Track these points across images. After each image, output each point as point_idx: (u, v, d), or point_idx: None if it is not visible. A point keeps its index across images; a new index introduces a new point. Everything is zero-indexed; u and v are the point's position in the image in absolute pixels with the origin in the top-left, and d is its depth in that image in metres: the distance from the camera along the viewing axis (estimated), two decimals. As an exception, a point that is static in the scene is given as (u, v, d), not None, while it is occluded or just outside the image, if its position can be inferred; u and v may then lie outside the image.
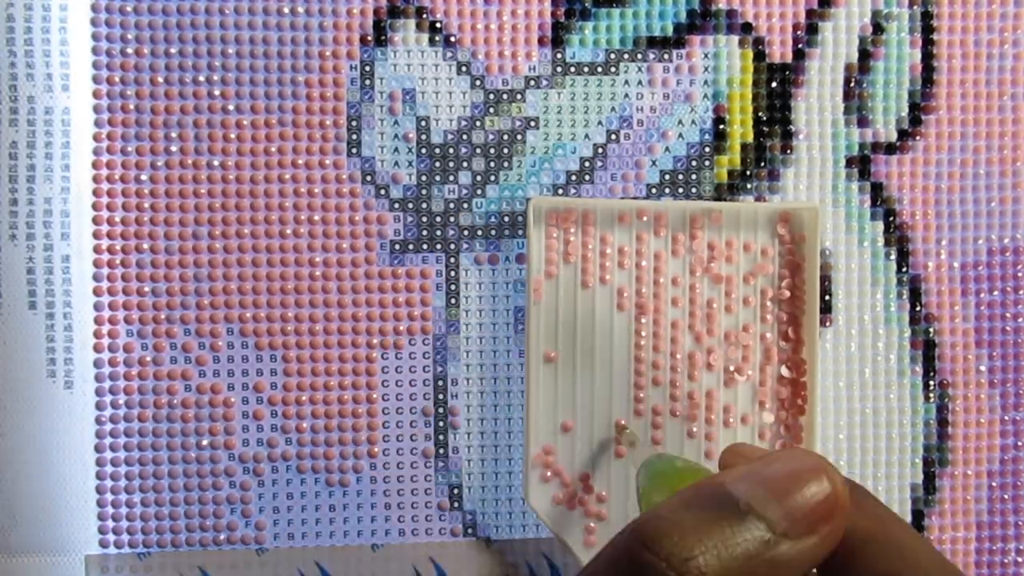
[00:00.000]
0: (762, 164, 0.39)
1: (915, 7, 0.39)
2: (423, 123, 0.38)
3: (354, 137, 0.37)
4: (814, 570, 0.22)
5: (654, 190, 0.38)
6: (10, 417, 0.36)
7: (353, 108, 0.37)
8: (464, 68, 0.38)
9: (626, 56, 0.38)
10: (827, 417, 0.39)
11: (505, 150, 0.38)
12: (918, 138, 0.39)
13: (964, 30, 0.39)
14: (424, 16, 0.38)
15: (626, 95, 0.38)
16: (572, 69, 0.38)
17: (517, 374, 0.38)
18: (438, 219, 0.38)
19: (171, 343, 0.37)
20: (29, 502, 0.36)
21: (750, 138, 0.39)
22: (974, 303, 0.39)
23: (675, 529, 0.21)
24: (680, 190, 0.38)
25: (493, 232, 0.38)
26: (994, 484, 0.39)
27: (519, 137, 0.38)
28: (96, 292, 0.36)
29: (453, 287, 0.38)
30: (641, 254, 0.37)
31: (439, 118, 0.38)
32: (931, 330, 0.39)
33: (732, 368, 0.37)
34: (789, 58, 0.39)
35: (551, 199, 0.37)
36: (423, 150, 0.38)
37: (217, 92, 0.37)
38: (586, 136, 0.38)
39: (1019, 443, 0.39)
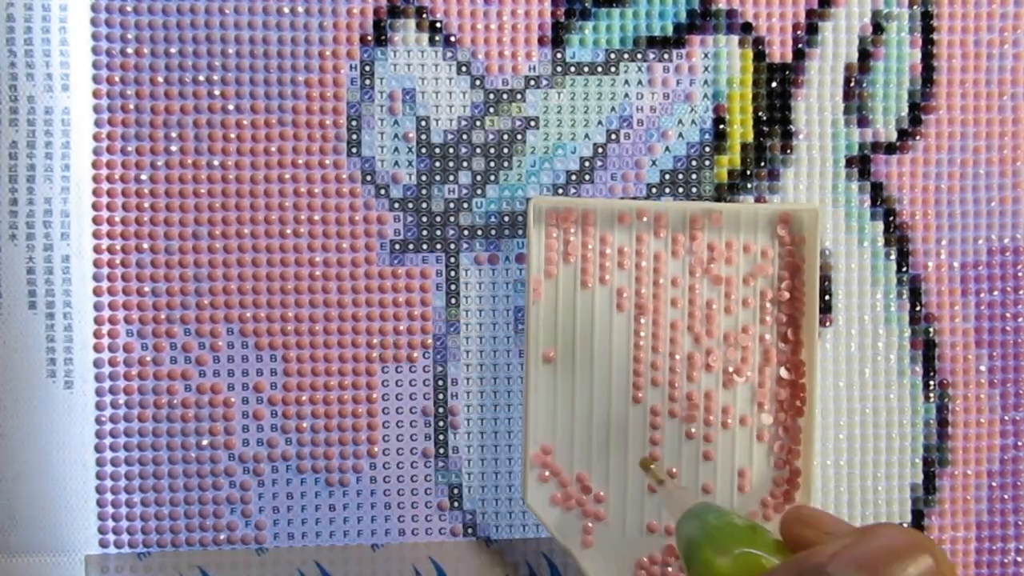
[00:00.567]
0: (762, 164, 0.39)
1: (915, 7, 0.39)
2: (423, 123, 0.38)
3: (354, 137, 0.37)
4: None
5: (654, 190, 0.38)
6: (10, 417, 0.36)
7: (353, 108, 0.37)
8: (464, 68, 0.38)
9: (626, 56, 0.38)
10: (827, 417, 0.39)
11: (505, 150, 0.38)
12: (918, 138, 0.39)
13: (964, 30, 0.39)
14: (424, 16, 0.38)
15: (626, 95, 0.38)
16: (572, 69, 0.38)
17: (517, 374, 0.38)
18: (438, 219, 0.38)
19: (171, 343, 0.37)
20: (29, 502, 0.36)
21: (750, 138, 0.39)
22: (974, 303, 0.39)
23: None
24: (680, 190, 0.38)
25: (493, 232, 0.38)
26: (994, 484, 0.39)
27: (519, 137, 0.38)
28: (96, 292, 0.36)
29: (453, 287, 0.38)
30: (641, 254, 0.37)
31: (439, 118, 0.38)
32: (931, 330, 0.39)
33: (731, 369, 0.37)
34: (789, 58, 0.39)
35: (551, 199, 0.37)
36: (423, 150, 0.38)
37: (217, 92, 0.37)
38: (586, 136, 0.38)
39: (1019, 443, 0.39)
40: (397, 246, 0.38)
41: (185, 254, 0.37)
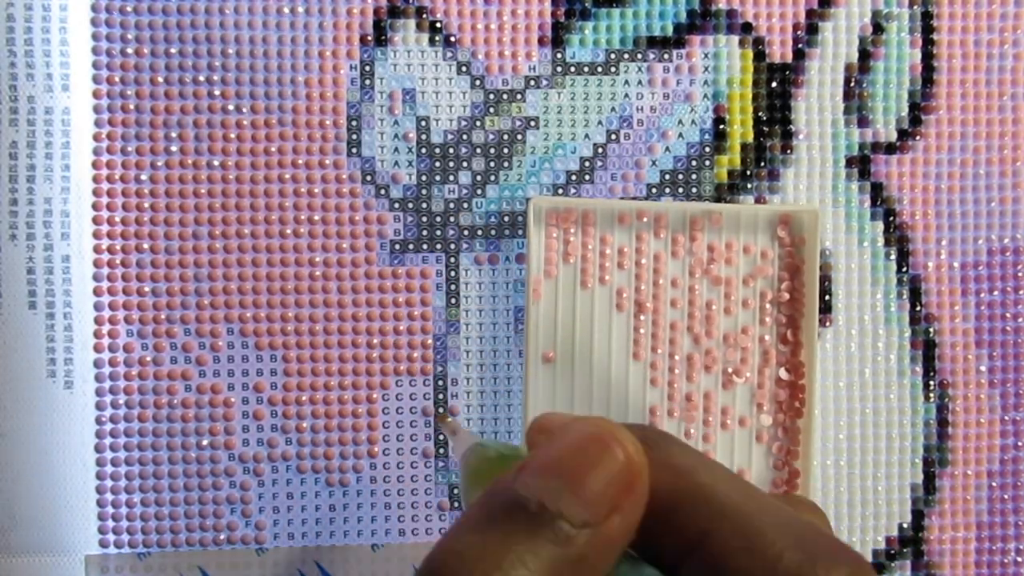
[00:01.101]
0: (762, 164, 0.39)
1: (915, 7, 0.39)
2: (423, 123, 0.38)
3: (354, 137, 0.37)
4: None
5: (654, 190, 0.38)
6: (10, 417, 0.36)
7: (353, 108, 0.37)
8: (464, 68, 0.38)
9: (626, 56, 0.38)
10: (827, 417, 0.39)
11: (505, 150, 0.38)
12: (918, 138, 0.39)
13: (964, 30, 0.39)
14: (424, 16, 0.38)
15: (626, 95, 0.38)
16: (572, 69, 0.38)
17: (517, 374, 0.38)
18: (438, 219, 0.38)
19: (171, 343, 0.37)
20: (29, 502, 0.36)
21: (750, 138, 0.39)
22: (974, 303, 0.39)
23: (471, 563, 0.18)
24: (680, 190, 0.38)
25: (493, 232, 0.38)
26: (994, 484, 0.39)
27: (519, 137, 0.38)
28: (96, 292, 0.36)
29: (453, 287, 0.38)
30: (641, 254, 0.37)
31: (439, 118, 0.38)
32: (931, 330, 0.39)
33: (730, 370, 0.37)
34: (789, 58, 0.39)
35: (551, 199, 0.37)
36: (423, 150, 0.38)
37: (217, 92, 0.37)
38: (586, 136, 0.38)
39: (1019, 443, 0.39)
40: (397, 246, 0.38)
41: (185, 254, 0.37)
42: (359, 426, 0.37)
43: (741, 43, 0.38)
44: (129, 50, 0.36)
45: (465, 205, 0.38)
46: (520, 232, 0.38)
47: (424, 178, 0.38)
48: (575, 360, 0.36)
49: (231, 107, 0.37)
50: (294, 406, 0.37)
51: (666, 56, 0.38)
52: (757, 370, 0.37)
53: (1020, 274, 0.39)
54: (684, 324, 0.37)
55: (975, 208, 0.39)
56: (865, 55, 0.39)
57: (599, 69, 0.38)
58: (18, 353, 0.36)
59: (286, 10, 0.37)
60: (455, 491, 0.38)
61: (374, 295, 0.37)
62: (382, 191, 0.37)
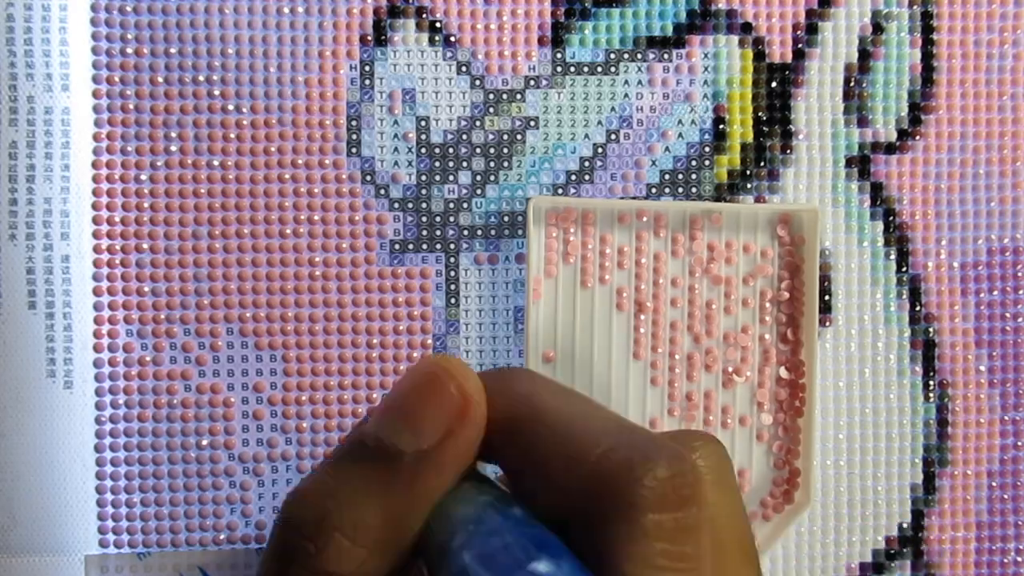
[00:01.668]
0: (762, 164, 0.39)
1: (915, 7, 0.39)
2: (423, 123, 0.38)
3: (354, 137, 0.37)
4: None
5: (654, 190, 0.38)
6: (10, 417, 0.36)
7: (353, 108, 0.37)
8: (464, 68, 0.38)
9: (626, 56, 0.38)
10: (827, 417, 0.39)
11: (505, 150, 0.38)
12: (918, 138, 0.39)
13: (964, 30, 0.39)
14: (424, 16, 0.38)
15: (626, 95, 0.38)
16: (572, 69, 0.38)
17: (517, 374, 0.38)
18: (438, 219, 0.38)
19: (171, 343, 0.37)
20: (29, 502, 0.36)
21: (750, 138, 0.39)
22: (974, 303, 0.39)
23: (312, 498, 0.21)
24: (680, 190, 0.38)
25: (493, 232, 0.38)
26: (994, 484, 0.39)
27: (519, 137, 0.38)
28: (96, 292, 0.36)
29: (453, 287, 0.38)
30: (641, 253, 0.37)
31: (439, 118, 0.38)
32: (931, 330, 0.39)
33: (731, 369, 0.37)
34: (789, 58, 0.39)
35: (551, 198, 0.37)
36: (423, 150, 0.38)
37: (217, 92, 0.37)
38: (586, 136, 0.38)
39: (1019, 443, 0.39)
40: (397, 246, 0.38)
41: (185, 254, 0.37)
42: (359, 426, 0.37)
43: (741, 43, 0.38)
44: (129, 50, 0.36)
45: (465, 205, 0.38)
46: (520, 232, 0.38)
47: (424, 178, 0.38)
48: (575, 360, 0.36)
49: (231, 107, 0.37)
50: (294, 406, 0.37)
51: (666, 56, 0.38)
52: (757, 369, 0.37)
53: (1020, 274, 0.39)
54: (684, 323, 0.37)
55: (975, 208, 0.39)
56: (865, 55, 0.39)
57: (599, 69, 0.38)
58: (18, 353, 0.36)
59: (286, 10, 0.37)
60: (455, 491, 0.38)
61: (374, 295, 0.37)
62: (382, 191, 0.37)
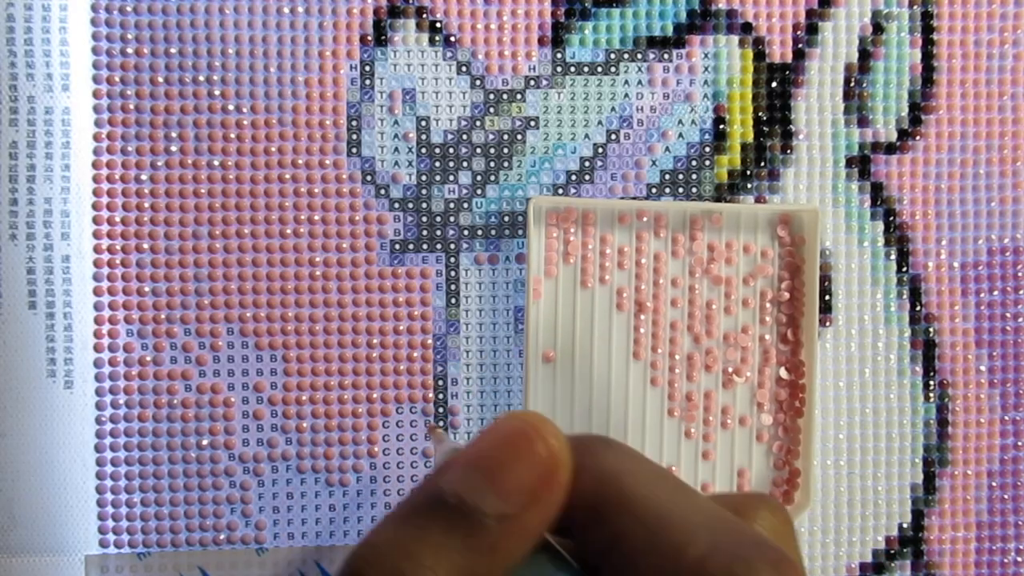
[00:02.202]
0: (762, 164, 0.39)
1: (915, 7, 0.39)
2: (423, 123, 0.38)
3: (354, 137, 0.37)
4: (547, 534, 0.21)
5: (654, 190, 0.38)
6: (10, 417, 0.36)
7: (353, 108, 0.37)
8: (464, 68, 0.38)
9: (626, 56, 0.38)
10: (827, 417, 0.39)
11: (505, 150, 0.38)
12: (918, 138, 0.39)
13: (964, 30, 0.39)
14: (424, 16, 0.38)
15: (626, 95, 0.38)
16: (572, 69, 0.38)
17: (517, 374, 0.38)
18: (438, 219, 0.38)
19: (171, 343, 0.37)
20: (29, 502, 0.36)
21: (750, 138, 0.39)
22: (974, 303, 0.39)
23: (385, 555, 0.19)
24: (680, 190, 0.38)
25: (493, 232, 0.38)
26: (994, 484, 0.39)
27: (519, 137, 0.38)
28: (96, 292, 0.36)
29: (453, 287, 0.38)
30: (641, 253, 0.37)
31: (439, 118, 0.38)
32: (931, 330, 0.39)
33: (730, 369, 0.37)
34: (789, 58, 0.39)
35: (551, 198, 0.37)
36: (423, 150, 0.38)
37: (217, 92, 0.37)
38: (586, 136, 0.38)
39: (1019, 443, 0.39)
40: (397, 246, 0.38)
41: (185, 254, 0.37)
42: (359, 426, 0.37)
43: (741, 43, 0.38)
44: (129, 50, 0.36)
45: (465, 205, 0.38)
46: (520, 232, 0.38)
47: (424, 178, 0.38)
48: (575, 360, 0.36)
49: (231, 107, 0.37)
50: (294, 406, 0.37)
51: (666, 56, 0.38)
52: (757, 369, 0.37)
53: (1020, 274, 0.39)
54: (684, 323, 0.37)
55: (975, 208, 0.39)
56: (865, 55, 0.39)
57: (599, 69, 0.38)
58: (18, 353, 0.36)
59: (286, 10, 0.37)
60: (455, 491, 0.38)
61: (374, 295, 0.37)
62: (382, 191, 0.37)
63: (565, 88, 0.38)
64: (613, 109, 0.38)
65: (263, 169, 0.37)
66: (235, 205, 0.37)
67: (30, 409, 0.36)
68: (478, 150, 0.38)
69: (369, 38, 0.37)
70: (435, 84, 0.38)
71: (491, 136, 0.38)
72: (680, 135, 0.38)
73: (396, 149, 0.38)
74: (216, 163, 0.37)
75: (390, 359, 0.37)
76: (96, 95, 0.36)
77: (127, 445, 0.37)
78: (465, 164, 0.38)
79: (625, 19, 0.38)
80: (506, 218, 0.38)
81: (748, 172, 0.39)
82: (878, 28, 0.39)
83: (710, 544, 0.19)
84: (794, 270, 0.37)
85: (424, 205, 0.38)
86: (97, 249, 0.36)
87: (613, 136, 0.38)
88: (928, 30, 0.39)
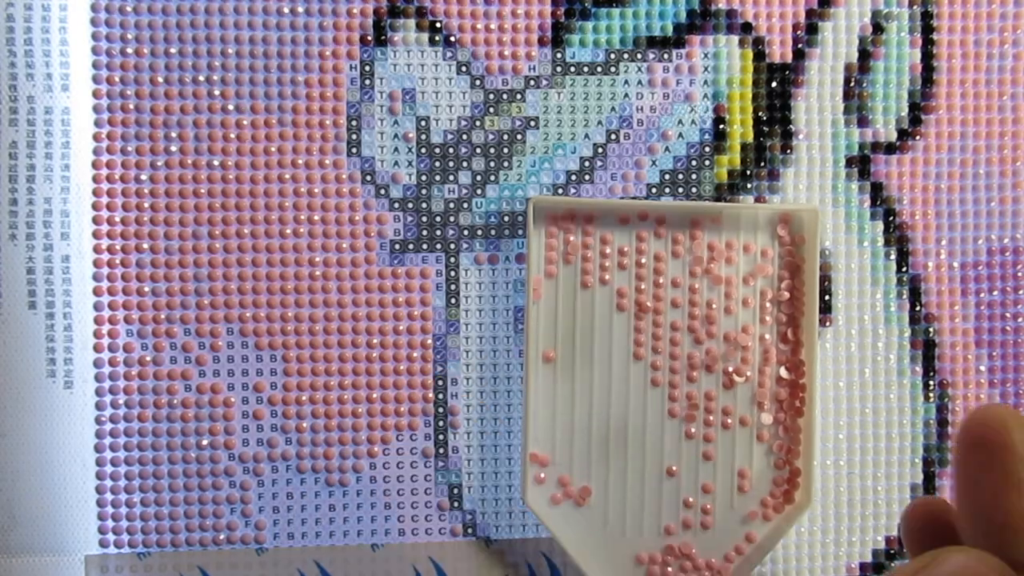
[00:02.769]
0: (762, 164, 0.39)
1: (915, 7, 0.39)
2: (423, 123, 0.38)
3: (354, 137, 0.37)
4: None
5: (654, 190, 0.38)
6: (10, 417, 0.36)
7: (353, 108, 0.37)
8: (464, 68, 0.38)
9: (626, 56, 0.38)
10: (827, 417, 0.39)
11: (505, 150, 0.38)
12: (918, 138, 0.39)
13: (964, 30, 0.39)
14: (424, 16, 0.38)
15: (626, 95, 0.38)
16: (572, 69, 0.38)
17: (517, 374, 0.38)
18: (438, 219, 0.38)
19: (171, 343, 0.37)
20: (29, 502, 0.36)
21: (750, 138, 0.39)
22: (974, 303, 0.39)
23: None
24: (680, 190, 0.38)
25: (493, 232, 0.38)
26: (994, 484, 0.39)
27: (519, 137, 0.38)
28: (96, 292, 0.36)
29: (453, 287, 0.38)
30: (641, 254, 0.37)
31: (439, 118, 0.38)
32: (931, 330, 0.39)
33: (731, 369, 0.37)
34: (789, 58, 0.39)
35: (551, 199, 0.37)
36: (423, 150, 0.38)
37: (217, 92, 0.37)
38: (586, 136, 0.38)
39: (1019, 443, 0.39)
40: (397, 246, 0.38)
41: (185, 254, 0.37)
42: (359, 426, 0.37)
43: (741, 43, 0.38)
44: (129, 50, 0.36)
45: (465, 205, 0.38)
46: (520, 232, 0.38)
47: (424, 178, 0.38)
48: (575, 360, 0.36)
49: (231, 107, 0.37)
50: (294, 406, 0.37)
51: (666, 56, 0.38)
52: (758, 369, 0.37)
53: (1020, 274, 0.39)
54: (684, 324, 0.37)
55: (975, 208, 0.39)
56: (865, 55, 0.39)
57: (599, 69, 0.38)
58: (18, 353, 0.36)
59: (286, 10, 0.37)
60: (455, 491, 0.38)
61: (374, 295, 0.37)
62: (382, 191, 0.37)
63: (565, 88, 0.38)
64: (613, 109, 0.38)
65: (263, 169, 0.37)
66: (235, 205, 0.37)
67: (30, 409, 0.36)
68: (478, 150, 0.38)
69: (369, 38, 0.37)
70: (435, 84, 0.38)
71: (491, 136, 0.38)
72: (680, 135, 0.38)
73: (396, 149, 0.38)
74: (216, 163, 0.37)
75: (390, 359, 0.37)
76: (96, 95, 0.36)
77: (127, 445, 0.37)
78: (465, 164, 0.38)
79: (625, 19, 0.38)
80: (506, 218, 0.38)
81: (748, 172, 0.39)
82: (878, 28, 0.39)
83: None
84: (794, 270, 0.37)
85: (424, 205, 0.38)
86: (97, 249, 0.36)
87: (613, 136, 0.38)
88: (928, 30, 0.39)
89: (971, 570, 0.21)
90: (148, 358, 0.37)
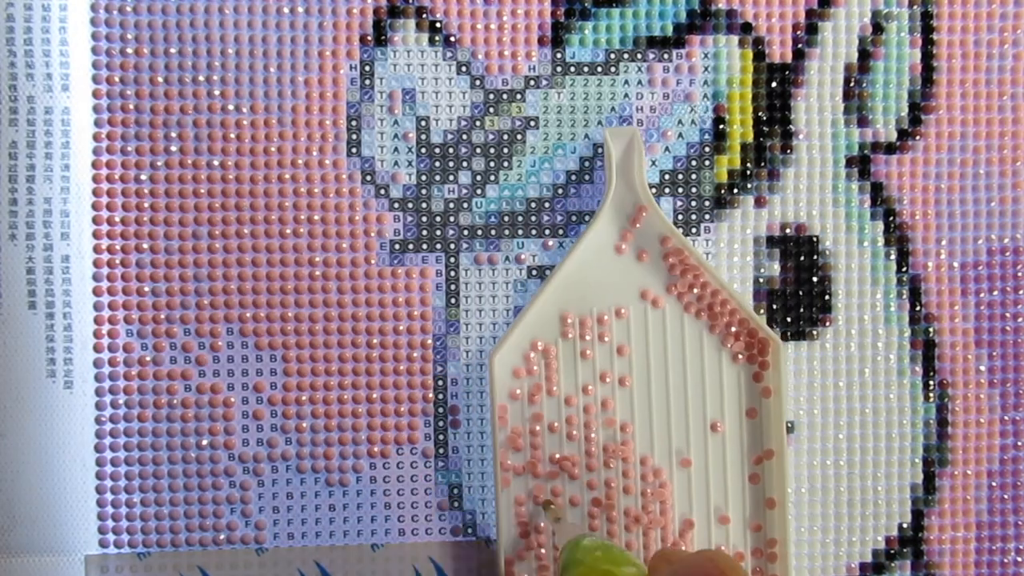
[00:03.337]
0: (762, 164, 0.39)
1: (915, 7, 0.39)
2: (423, 123, 0.38)
3: (354, 137, 0.37)
4: None
5: (654, 190, 0.38)
6: (10, 417, 0.36)
7: (353, 108, 0.37)
8: (464, 68, 0.38)
9: (626, 56, 0.38)
10: (827, 417, 0.39)
11: (505, 150, 0.38)
12: (918, 138, 0.39)
13: (964, 30, 0.39)
14: (424, 16, 0.38)
15: (626, 95, 0.38)
16: (572, 69, 0.38)
17: (517, 374, 0.38)
18: (438, 219, 0.38)
19: (171, 343, 0.37)
20: (29, 502, 0.36)
21: (750, 138, 0.39)
22: (974, 303, 0.39)
23: None
24: (680, 190, 0.38)
25: (493, 232, 0.38)
26: (994, 484, 0.39)
27: (519, 137, 0.38)
28: (96, 292, 0.36)
29: (453, 287, 0.38)
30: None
31: (439, 118, 0.38)
32: (931, 330, 0.39)
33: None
34: (789, 58, 0.39)
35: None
36: (423, 150, 0.38)
37: (217, 92, 0.37)
38: (586, 136, 0.38)
39: (1019, 443, 0.39)
40: (397, 246, 0.38)
41: (185, 254, 0.37)
42: (359, 426, 0.37)
43: (741, 43, 0.38)
44: (129, 50, 0.36)
45: (465, 205, 0.38)
46: (520, 232, 0.38)
47: (424, 178, 0.38)
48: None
49: (231, 107, 0.37)
50: (294, 406, 0.37)
51: (666, 56, 0.38)
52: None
53: (1020, 274, 0.39)
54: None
55: (975, 208, 0.39)
56: (865, 55, 0.39)
57: (599, 69, 0.38)
58: (18, 353, 0.36)
59: (286, 10, 0.37)
60: (455, 491, 0.38)
61: (374, 295, 0.37)
62: (382, 191, 0.37)
63: (565, 88, 0.38)
64: (613, 109, 0.38)
65: (263, 169, 0.37)
66: (235, 205, 0.37)
67: (30, 409, 0.36)
68: (478, 150, 0.38)
69: (369, 38, 0.37)
70: (435, 84, 0.38)
71: (491, 136, 0.38)
72: (680, 135, 0.38)
73: (396, 149, 0.38)
74: (216, 163, 0.37)
75: (390, 359, 0.37)
76: (96, 95, 0.36)
77: (127, 445, 0.37)
78: (465, 164, 0.38)
79: (625, 19, 0.38)
80: (506, 218, 0.38)
81: (748, 172, 0.39)
82: (878, 28, 0.39)
83: None
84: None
85: (424, 205, 0.38)
86: (97, 249, 0.36)
87: (613, 136, 0.38)
88: (928, 30, 0.39)
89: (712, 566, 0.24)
90: (148, 358, 0.37)
